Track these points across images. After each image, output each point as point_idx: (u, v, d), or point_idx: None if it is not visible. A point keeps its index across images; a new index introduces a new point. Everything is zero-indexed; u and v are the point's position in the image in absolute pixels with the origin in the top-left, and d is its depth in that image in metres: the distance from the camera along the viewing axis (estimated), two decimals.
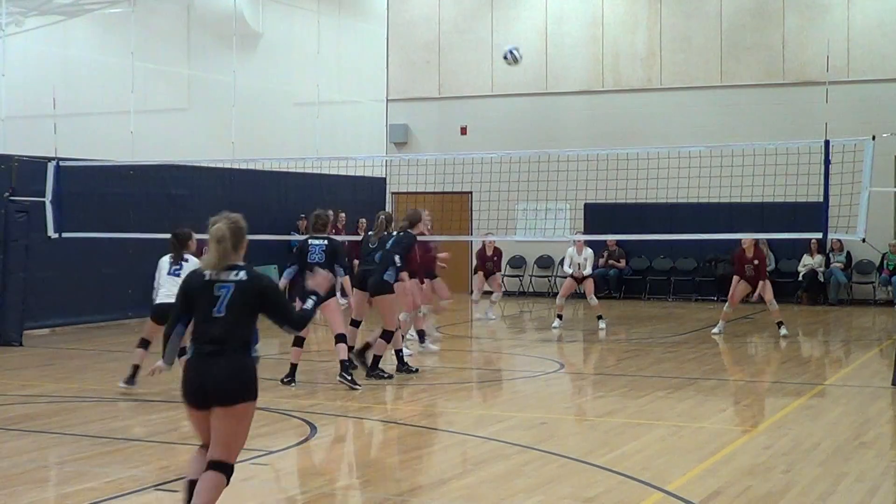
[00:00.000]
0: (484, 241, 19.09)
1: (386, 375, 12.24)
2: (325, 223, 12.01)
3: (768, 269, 22.86)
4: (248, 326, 6.02)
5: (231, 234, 6.02)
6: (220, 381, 5.84)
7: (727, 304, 16.88)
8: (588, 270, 17.65)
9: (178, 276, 10.97)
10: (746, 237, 16.61)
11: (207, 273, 6.03)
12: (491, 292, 19.40)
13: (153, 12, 22.25)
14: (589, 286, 17.77)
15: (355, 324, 12.86)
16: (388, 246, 12.36)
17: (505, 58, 17.52)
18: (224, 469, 5.90)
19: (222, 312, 5.93)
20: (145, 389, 11.69)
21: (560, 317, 18.03)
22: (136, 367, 11.41)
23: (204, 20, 23.66)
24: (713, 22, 23.98)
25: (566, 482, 7.85)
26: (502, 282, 20.56)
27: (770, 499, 7.26)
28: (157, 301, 11.31)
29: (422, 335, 14.79)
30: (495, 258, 19.50)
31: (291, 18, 24.66)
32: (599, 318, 17.75)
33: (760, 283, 16.66)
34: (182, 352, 6.18)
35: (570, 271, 17.77)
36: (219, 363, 5.87)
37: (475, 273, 19.78)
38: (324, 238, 11.89)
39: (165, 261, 11.51)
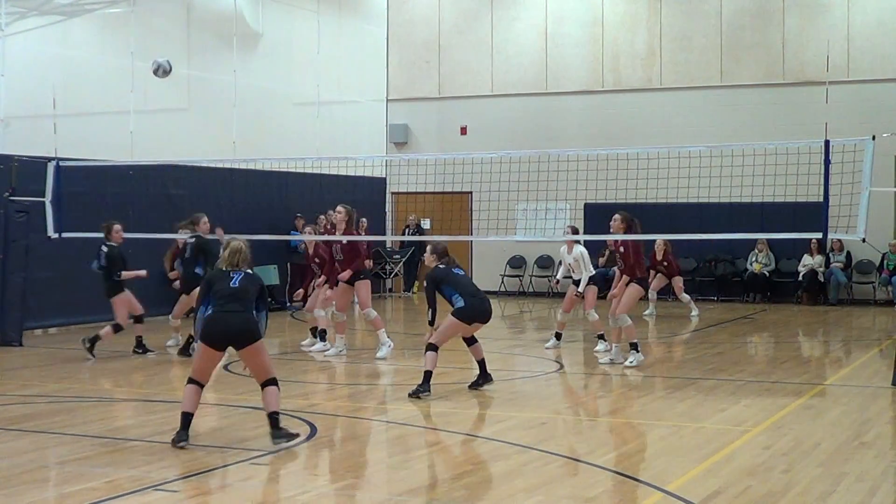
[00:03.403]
0: (654, 245, 19.69)
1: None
2: (196, 222, 14.79)
3: (768, 268, 23.05)
4: None
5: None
6: None
7: None
8: (584, 276, 14.71)
9: None
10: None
11: None
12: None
13: (153, 12, 22.23)
14: (589, 297, 14.79)
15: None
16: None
17: (155, 72, 16.46)
18: None
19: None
20: (145, 389, 11.69)
21: (559, 336, 15.41)
22: None
23: (204, 20, 23.66)
24: (713, 22, 23.97)
25: (566, 482, 7.84)
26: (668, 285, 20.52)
27: (770, 499, 7.25)
28: None
29: (322, 335, 14.86)
30: (665, 263, 19.95)
31: (291, 18, 24.66)
32: (601, 337, 14.62)
33: None
34: None
35: (559, 276, 15.81)
36: None
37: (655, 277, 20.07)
38: (194, 236, 14.58)
39: None
